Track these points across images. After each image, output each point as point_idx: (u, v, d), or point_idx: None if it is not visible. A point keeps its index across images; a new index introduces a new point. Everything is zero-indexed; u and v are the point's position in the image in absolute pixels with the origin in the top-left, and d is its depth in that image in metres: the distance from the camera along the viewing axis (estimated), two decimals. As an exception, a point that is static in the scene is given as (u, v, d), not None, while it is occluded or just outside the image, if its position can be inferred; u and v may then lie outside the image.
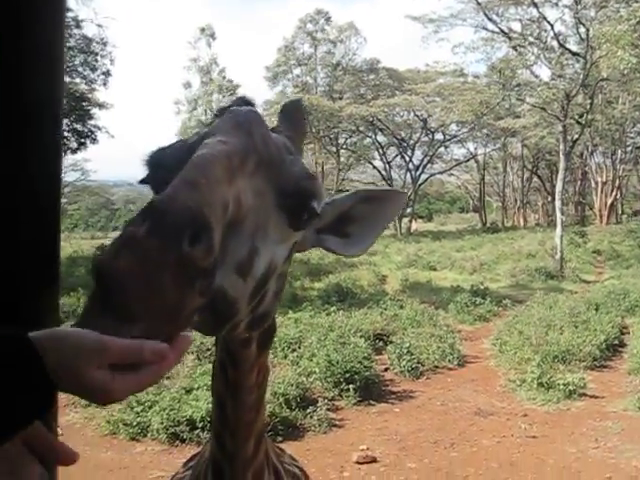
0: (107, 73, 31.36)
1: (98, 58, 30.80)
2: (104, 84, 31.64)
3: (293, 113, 1.61)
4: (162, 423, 9.43)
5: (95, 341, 1.02)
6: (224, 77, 49.80)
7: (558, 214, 29.24)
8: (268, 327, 1.61)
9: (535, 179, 63.64)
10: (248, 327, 1.45)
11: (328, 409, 10.63)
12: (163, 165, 1.38)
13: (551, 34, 30.43)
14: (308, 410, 10.30)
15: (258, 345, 1.66)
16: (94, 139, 31.26)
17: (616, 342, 15.01)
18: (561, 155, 29.62)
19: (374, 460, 9.00)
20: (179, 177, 1.15)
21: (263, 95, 62.58)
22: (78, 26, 28.14)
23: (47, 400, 1.02)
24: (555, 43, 30.61)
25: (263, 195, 1.34)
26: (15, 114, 1.58)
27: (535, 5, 29.83)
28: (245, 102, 1.52)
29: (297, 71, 51.67)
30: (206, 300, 1.14)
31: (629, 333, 16.20)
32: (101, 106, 34.51)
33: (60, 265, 1.74)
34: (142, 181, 1.49)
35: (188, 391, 10.57)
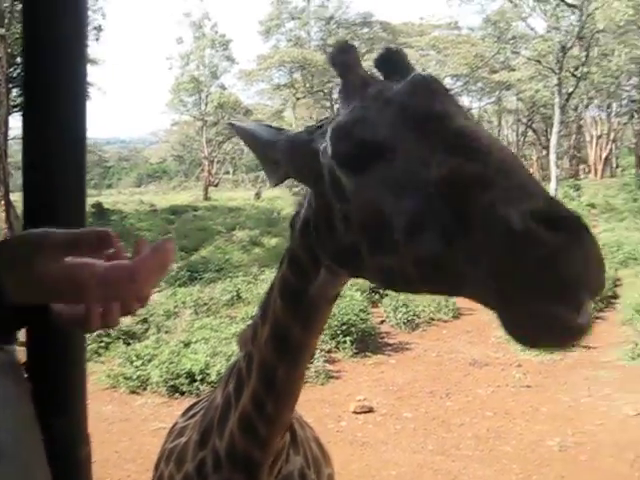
0: (99, 28, 31.11)
1: (90, 13, 30.44)
2: (96, 39, 31.42)
3: (399, 63, 1.43)
4: (161, 376, 9.56)
5: (39, 232, 1.06)
6: (216, 32, 49.30)
7: (553, 168, 29.28)
8: None
9: (530, 133, 63.40)
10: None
11: (325, 361, 10.76)
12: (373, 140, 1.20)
13: (547, -15, 30.13)
14: (306, 362, 10.42)
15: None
16: (86, 96, 31.07)
17: (610, 294, 15.13)
18: (556, 108, 29.55)
19: (371, 410, 9.15)
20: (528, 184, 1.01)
21: (256, 49, 62.05)
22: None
23: None
24: (551, -6, 30.29)
25: None
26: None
27: (531, -44, 29.50)
28: (345, 48, 1.47)
29: (290, 25, 51.19)
30: None
31: (622, 285, 16.34)
32: (93, 62, 34.24)
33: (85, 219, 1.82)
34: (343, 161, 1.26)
35: (186, 345, 10.69)
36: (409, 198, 1.10)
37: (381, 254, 1.18)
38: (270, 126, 1.64)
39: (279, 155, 1.52)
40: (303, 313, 1.59)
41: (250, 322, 1.81)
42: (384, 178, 1.15)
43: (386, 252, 1.16)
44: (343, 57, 1.42)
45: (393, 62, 1.43)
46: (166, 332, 12.18)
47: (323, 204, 1.37)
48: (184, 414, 2.33)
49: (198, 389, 9.24)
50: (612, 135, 53.73)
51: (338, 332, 11.65)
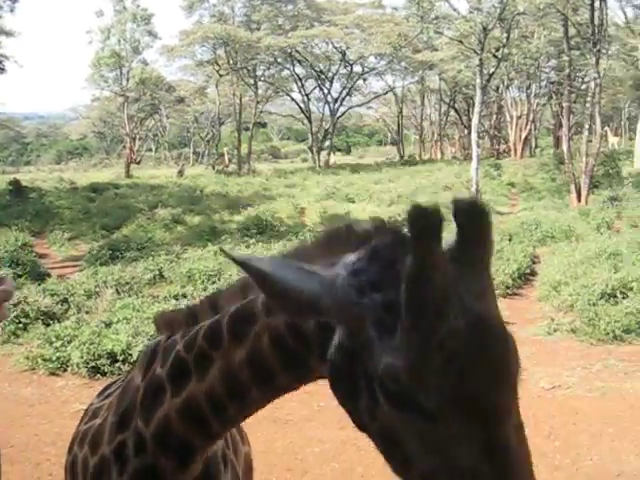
0: (13, -1, 30.08)
1: (4, -17, 29.49)
2: (11, 10, 30.37)
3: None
4: (82, 357, 9.37)
5: None
6: (138, 6, 48.16)
7: (474, 147, 29.75)
8: None
9: (452, 112, 64.24)
10: None
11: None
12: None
13: (469, -34, 30.44)
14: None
15: None
16: (1, 69, 30.18)
17: (528, 271, 15.51)
18: (477, 89, 29.95)
19: (295, 388, 9.18)
20: None
21: (179, 25, 61.11)
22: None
23: None
24: (473, -25, 30.63)
25: None
26: None
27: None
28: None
29: (214, 0, 50.42)
30: None
31: (540, 262, 16.76)
32: (8, 34, 33.16)
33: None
34: None
35: (108, 325, 10.51)
36: (434, 459, 1.13)
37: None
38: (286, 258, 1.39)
39: (324, 316, 1.26)
40: (296, 370, 1.48)
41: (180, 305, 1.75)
42: (419, 430, 1.13)
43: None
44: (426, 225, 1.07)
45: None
46: (87, 312, 11.95)
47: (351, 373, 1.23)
48: (99, 395, 2.28)
49: (120, 370, 9.09)
50: (531, 116, 54.79)
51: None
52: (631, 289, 11.97)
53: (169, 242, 19.16)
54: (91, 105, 70.28)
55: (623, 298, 11.73)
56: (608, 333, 10.59)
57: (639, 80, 42.95)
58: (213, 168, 51.94)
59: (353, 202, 29.33)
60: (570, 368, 9.58)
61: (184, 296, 12.76)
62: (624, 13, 43.75)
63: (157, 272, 14.58)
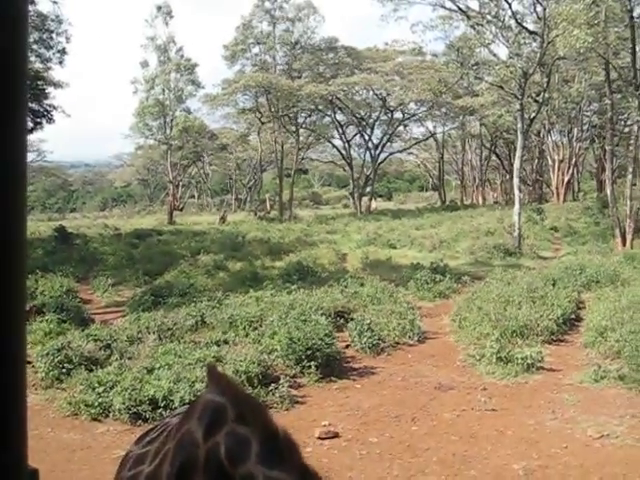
0: (63, 51, 30.96)
1: (53, 36, 30.38)
2: (60, 62, 31.24)
3: None
4: (124, 403, 9.41)
5: None
6: (182, 56, 49.12)
7: (516, 192, 29.58)
8: None
9: (493, 157, 64.09)
10: None
11: (290, 386, 10.68)
12: None
13: (509, 13, 30.60)
14: (270, 387, 10.35)
15: None
16: (50, 119, 30.89)
17: (573, 316, 15.27)
18: (519, 133, 29.89)
19: (336, 435, 9.09)
20: None
21: (222, 74, 62.18)
22: (32, 2, 27.69)
23: None
24: (513, 22, 30.75)
25: None
26: None
27: (493, -17, 29.94)
28: None
29: (255, 50, 51.17)
30: None
31: (585, 308, 16.49)
32: (57, 85, 34.06)
33: (26, 248, 1.70)
34: None
35: (150, 371, 10.54)
36: None
37: None
38: None
39: None
40: None
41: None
42: None
43: None
44: None
45: None
46: (129, 358, 12.00)
47: None
48: (138, 441, 2.27)
49: (161, 415, 9.07)
50: (574, 160, 54.44)
51: (303, 357, 11.60)
52: (680, 335, 11.70)
53: (211, 288, 19.23)
54: (135, 153, 71.47)
55: (672, 344, 11.47)
56: (657, 380, 10.35)
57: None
58: (255, 214, 52.28)
59: (395, 248, 29.28)
60: (618, 417, 9.36)
61: (225, 342, 12.78)
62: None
63: (199, 318, 14.61)
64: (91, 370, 10.94)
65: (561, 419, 9.49)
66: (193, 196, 78.33)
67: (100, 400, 9.65)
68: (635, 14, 26.83)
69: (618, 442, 8.55)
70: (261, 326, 13.58)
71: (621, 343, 12.00)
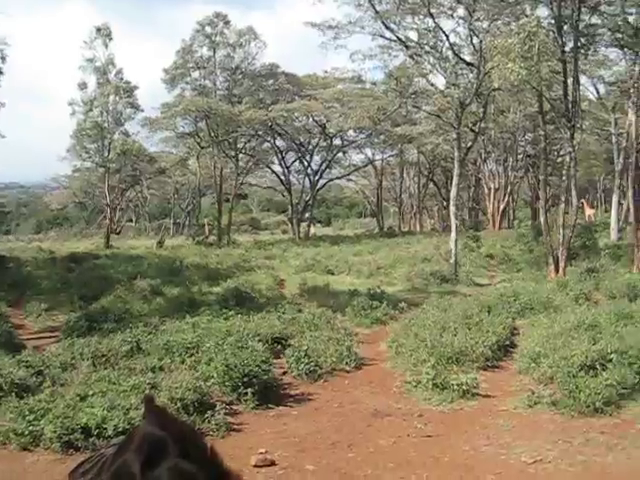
0: (-2, 71, 30.43)
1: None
2: (-6, 82, 30.69)
3: None
4: (55, 431, 9.18)
5: None
6: (121, 78, 48.62)
7: (452, 219, 30.01)
8: None
9: (431, 185, 64.92)
10: None
11: (226, 413, 10.58)
12: None
13: (446, 44, 31.15)
14: (206, 415, 10.23)
15: None
16: (-17, 139, 30.29)
17: (507, 343, 15.49)
18: (455, 162, 30.37)
19: (273, 463, 9.03)
20: None
21: (161, 97, 61.81)
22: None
23: None
24: (450, 53, 31.33)
25: None
26: None
27: (431, 15, 30.43)
28: None
29: (196, 74, 50.93)
30: None
31: (519, 334, 16.75)
32: (-9, 105, 33.42)
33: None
34: None
35: (83, 398, 10.33)
36: None
37: None
38: None
39: None
40: None
41: None
42: None
43: None
44: None
45: None
46: (62, 385, 11.74)
47: None
48: (72, 474, 2.19)
49: (94, 444, 8.89)
50: (509, 188, 55.49)
51: (240, 384, 11.52)
52: (610, 360, 11.95)
53: (147, 313, 19.00)
54: (72, 175, 70.38)
55: (603, 370, 11.71)
56: (589, 405, 10.54)
57: (612, 153, 43.69)
58: (193, 239, 51.87)
59: (333, 274, 29.35)
60: (552, 441, 9.50)
61: (161, 369, 12.61)
62: (596, 89, 44.84)
63: (134, 344, 14.38)
64: (22, 397, 10.65)
65: (496, 445, 9.59)
66: (131, 220, 77.45)
67: (30, 428, 9.40)
68: (567, 49, 27.62)
69: (551, 467, 8.67)
70: (197, 352, 13.44)
71: (554, 369, 12.21)
